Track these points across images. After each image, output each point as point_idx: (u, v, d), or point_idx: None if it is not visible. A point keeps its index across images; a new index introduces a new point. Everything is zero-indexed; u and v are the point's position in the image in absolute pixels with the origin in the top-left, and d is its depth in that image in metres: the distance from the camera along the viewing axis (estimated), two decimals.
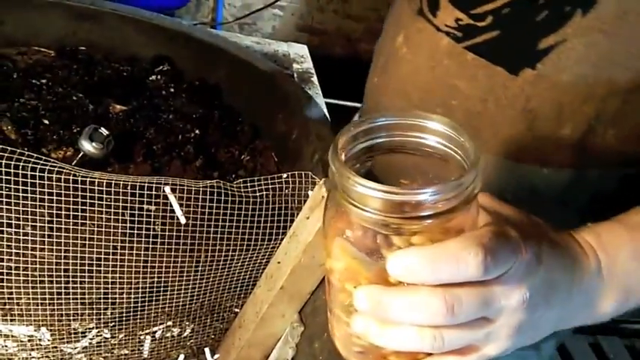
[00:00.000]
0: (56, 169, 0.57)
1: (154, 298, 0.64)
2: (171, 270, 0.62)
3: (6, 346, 0.63)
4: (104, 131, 0.75)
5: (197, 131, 0.89)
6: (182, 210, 0.63)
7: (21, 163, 0.56)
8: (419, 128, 0.40)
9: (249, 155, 0.91)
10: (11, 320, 0.61)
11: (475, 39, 0.63)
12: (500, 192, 0.68)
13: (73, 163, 0.70)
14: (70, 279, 0.60)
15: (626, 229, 0.48)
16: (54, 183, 0.58)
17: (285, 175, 0.68)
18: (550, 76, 0.60)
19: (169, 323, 0.67)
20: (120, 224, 0.61)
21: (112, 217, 0.60)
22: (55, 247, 0.59)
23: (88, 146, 0.74)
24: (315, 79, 1.06)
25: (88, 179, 0.59)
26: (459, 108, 0.67)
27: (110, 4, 1.01)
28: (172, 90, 0.97)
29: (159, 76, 0.99)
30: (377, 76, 0.81)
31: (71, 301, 0.61)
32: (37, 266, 0.59)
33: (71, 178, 0.59)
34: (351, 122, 0.40)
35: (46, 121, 0.81)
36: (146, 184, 0.61)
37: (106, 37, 1.00)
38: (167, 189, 0.61)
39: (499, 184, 0.67)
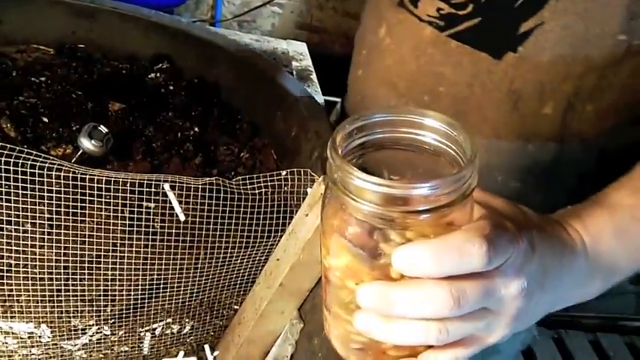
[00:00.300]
0: (55, 166, 0.57)
1: (153, 295, 0.65)
2: (170, 267, 0.63)
3: (6, 342, 0.63)
4: (103, 129, 0.75)
5: (196, 129, 0.89)
6: (181, 207, 0.64)
7: (20, 161, 0.56)
8: (415, 125, 0.41)
9: (249, 153, 0.91)
10: (11, 317, 0.61)
11: (458, 27, 0.65)
12: (489, 172, 0.71)
13: (73, 161, 0.70)
14: (70, 276, 0.60)
15: (606, 209, 0.50)
16: (53, 180, 0.59)
17: (284, 173, 0.69)
18: (531, 58, 0.62)
19: (169, 320, 0.67)
20: (119, 221, 0.61)
21: (112, 214, 0.61)
22: (54, 245, 0.59)
23: (87, 144, 0.74)
24: (314, 76, 1.06)
25: (87, 177, 0.59)
26: (446, 94, 0.69)
27: (109, 2, 1.01)
28: (171, 88, 0.97)
29: (158, 74, 0.99)
30: (361, 68, 0.82)
31: (71, 298, 0.61)
32: (37, 263, 0.59)
33: (71, 175, 0.59)
34: (347, 119, 0.41)
35: (45, 119, 0.81)
36: (145, 182, 0.62)
37: (105, 35, 1.00)
38: (166, 186, 0.61)
39: (488, 165, 0.69)
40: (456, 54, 0.66)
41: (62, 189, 0.59)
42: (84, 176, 0.59)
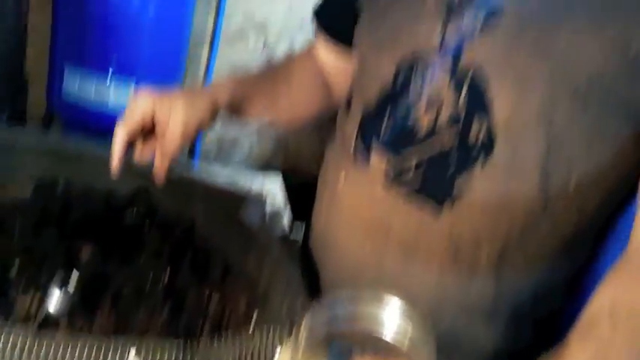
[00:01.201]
0: (20, 334, 0.57)
1: None
2: None
3: None
4: (73, 278, 0.76)
5: (168, 273, 0.89)
6: None
7: None
8: (373, 317, 0.44)
9: (219, 295, 0.90)
10: None
11: (403, 182, 0.76)
12: (439, 308, 0.77)
13: (36, 319, 0.69)
14: None
15: None
16: (17, 345, 0.58)
17: (251, 329, 0.69)
18: (466, 209, 0.73)
19: None
20: None
21: None
22: None
23: (55, 295, 0.74)
24: (285, 218, 1.09)
25: (52, 344, 0.59)
26: (396, 241, 0.79)
27: (88, 143, 1.04)
28: (147, 227, 0.98)
29: (134, 212, 1.01)
30: (323, 203, 0.93)
31: None
32: None
33: (35, 342, 0.58)
34: (314, 307, 0.44)
35: (16, 265, 0.81)
36: (111, 346, 0.61)
37: (82, 175, 1.02)
38: (132, 353, 0.61)
39: (438, 302, 0.78)
40: (403, 204, 0.76)
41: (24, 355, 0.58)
42: (48, 344, 0.58)
